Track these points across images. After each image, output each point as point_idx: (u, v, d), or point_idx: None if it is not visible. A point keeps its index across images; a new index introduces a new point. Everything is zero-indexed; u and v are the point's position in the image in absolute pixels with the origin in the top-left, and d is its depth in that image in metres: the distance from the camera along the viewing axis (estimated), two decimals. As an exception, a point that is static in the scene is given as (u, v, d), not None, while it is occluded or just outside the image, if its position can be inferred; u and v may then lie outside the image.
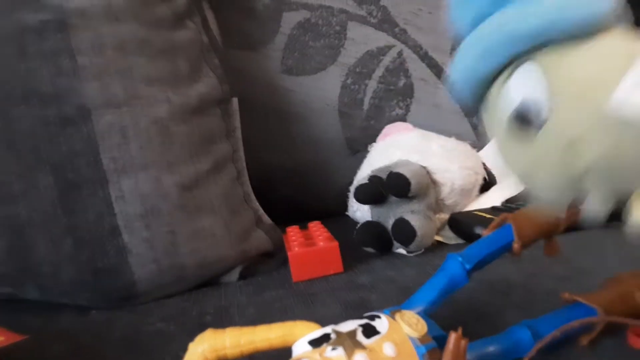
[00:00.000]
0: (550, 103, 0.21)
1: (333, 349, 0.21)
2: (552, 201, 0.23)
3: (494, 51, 0.21)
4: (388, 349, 0.22)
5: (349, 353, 0.21)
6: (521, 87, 0.22)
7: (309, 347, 0.22)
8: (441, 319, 0.25)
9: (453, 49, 0.64)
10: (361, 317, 0.24)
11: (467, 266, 0.28)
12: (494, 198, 0.52)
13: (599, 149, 0.20)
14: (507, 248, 0.29)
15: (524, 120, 0.22)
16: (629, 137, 0.20)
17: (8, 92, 0.37)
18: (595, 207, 0.22)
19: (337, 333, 0.22)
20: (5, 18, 0.37)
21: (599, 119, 0.20)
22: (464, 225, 0.46)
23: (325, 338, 0.22)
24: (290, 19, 0.60)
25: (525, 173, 0.23)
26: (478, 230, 0.44)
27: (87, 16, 0.38)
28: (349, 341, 0.22)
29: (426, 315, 0.26)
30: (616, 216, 0.52)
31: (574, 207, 0.23)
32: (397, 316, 0.24)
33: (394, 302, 0.25)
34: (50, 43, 0.37)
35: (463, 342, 0.22)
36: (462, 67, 0.23)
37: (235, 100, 0.48)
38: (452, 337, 0.22)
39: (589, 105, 0.20)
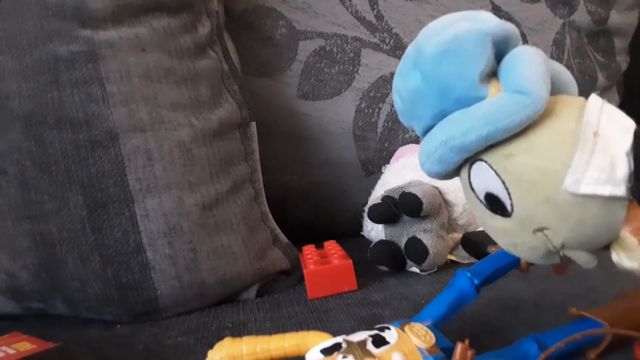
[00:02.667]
0: (510, 199, 0.22)
1: (344, 357, 0.22)
2: (543, 263, 0.25)
3: (446, 160, 0.24)
4: (397, 359, 0.23)
5: (359, 361, 0.22)
6: (482, 183, 0.23)
7: (321, 356, 0.23)
8: (451, 334, 0.26)
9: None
10: (371, 329, 0.25)
11: (476, 281, 0.29)
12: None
13: (565, 232, 0.22)
14: (515, 264, 0.30)
15: (495, 207, 0.23)
16: (589, 213, 0.21)
17: (42, 117, 0.39)
18: (582, 261, 0.23)
19: (348, 342, 0.24)
20: (41, 49, 0.39)
21: (556, 207, 0.21)
22: (476, 244, 0.47)
23: (336, 347, 0.23)
24: (306, 47, 0.63)
25: (510, 247, 0.24)
26: (490, 249, 0.44)
27: (115, 47, 0.40)
28: (359, 350, 0.23)
29: (435, 328, 0.27)
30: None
31: (564, 262, 0.24)
32: (407, 328, 0.25)
33: (407, 318, 0.26)
34: (82, 72, 0.40)
35: (470, 353, 0.23)
36: (426, 169, 0.25)
37: (253, 124, 0.50)
38: (459, 347, 0.23)
39: (543, 197, 0.22)
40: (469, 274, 0.29)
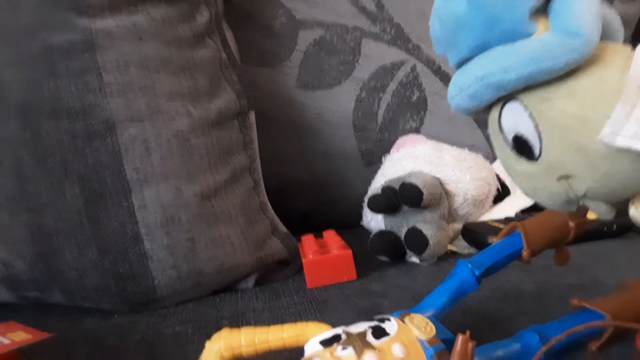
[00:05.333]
0: (540, 142, 0.22)
1: (343, 348, 0.22)
2: (559, 210, 0.24)
3: (479, 97, 0.23)
4: (397, 350, 0.23)
5: (359, 353, 0.22)
6: (512, 124, 0.23)
7: (320, 347, 0.23)
8: (453, 325, 0.26)
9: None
10: (371, 320, 0.25)
11: (477, 272, 0.28)
12: (508, 209, 0.52)
13: (590, 182, 0.22)
14: (516, 255, 0.30)
15: (522, 150, 0.23)
16: (619, 166, 0.21)
17: (38, 108, 0.39)
18: (600, 211, 0.23)
19: (348, 334, 0.23)
20: (37, 39, 0.39)
21: (586, 157, 0.21)
22: (477, 235, 0.47)
23: (336, 338, 0.23)
24: (306, 37, 0.62)
25: (530, 191, 0.24)
26: (491, 240, 0.44)
27: (113, 37, 0.40)
28: (359, 341, 0.23)
29: (436, 319, 0.26)
30: (630, 227, 0.52)
31: (581, 211, 0.24)
32: (407, 319, 0.25)
33: (406, 309, 0.26)
34: (78, 62, 0.39)
35: (470, 345, 0.22)
36: (455, 104, 0.24)
37: (252, 114, 0.50)
38: (460, 339, 0.22)
39: (575, 145, 0.21)
40: (469, 265, 0.28)
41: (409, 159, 0.50)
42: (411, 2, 0.64)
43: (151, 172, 0.40)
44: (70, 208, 0.39)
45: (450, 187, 0.47)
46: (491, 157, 0.64)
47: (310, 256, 0.42)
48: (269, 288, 0.43)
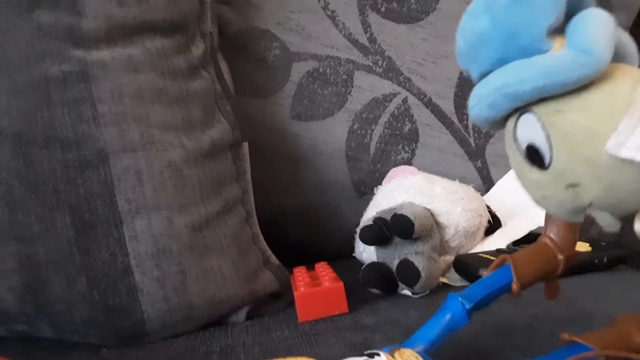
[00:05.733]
0: (550, 152, 0.23)
1: (333, 384, 0.22)
2: (567, 220, 0.25)
3: (497, 106, 0.25)
4: (387, 386, 0.22)
5: (348, 389, 0.22)
6: (526, 134, 0.24)
7: (310, 383, 0.23)
8: (443, 359, 0.26)
9: (456, 96, 0.66)
10: (361, 355, 0.25)
11: (467, 306, 0.28)
12: (500, 241, 0.52)
13: (596, 192, 0.23)
14: (507, 289, 0.30)
15: (533, 159, 0.24)
16: (624, 177, 0.22)
17: (31, 137, 0.39)
18: (605, 222, 0.24)
19: (337, 369, 0.23)
20: (32, 68, 0.39)
21: (593, 167, 0.22)
22: (469, 267, 0.47)
23: (325, 374, 0.23)
24: (299, 69, 0.63)
25: (540, 200, 0.25)
26: (482, 272, 0.44)
27: (108, 68, 0.40)
28: (348, 377, 0.23)
29: (426, 354, 0.26)
30: (620, 259, 0.52)
31: (588, 221, 0.24)
32: (397, 354, 0.25)
33: (397, 343, 0.26)
34: (73, 92, 0.39)
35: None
36: (474, 114, 0.26)
37: (245, 145, 0.50)
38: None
39: (583, 156, 0.22)
40: (460, 298, 0.28)
41: (401, 190, 0.51)
42: (402, 36, 0.66)
43: (143, 203, 0.40)
44: (60, 238, 0.39)
45: (442, 219, 0.48)
46: (482, 189, 0.64)
47: (302, 289, 0.41)
48: (260, 322, 0.42)
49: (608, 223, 0.24)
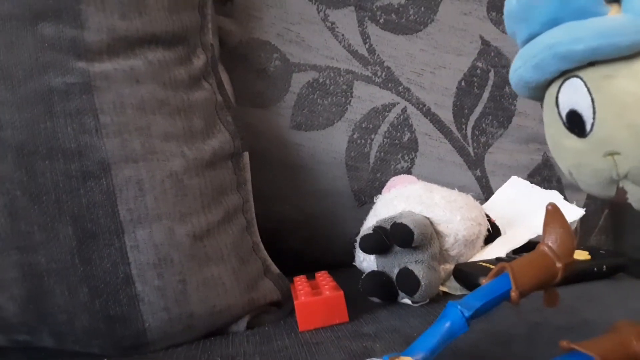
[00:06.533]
0: (593, 118, 0.23)
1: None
2: (597, 193, 0.25)
3: (544, 67, 0.24)
4: (386, 394, 0.23)
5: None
6: (569, 99, 0.24)
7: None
8: (442, 368, 0.26)
9: (455, 105, 0.67)
10: (361, 363, 0.25)
11: (467, 314, 0.28)
12: (499, 249, 0.52)
13: (635, 162, 0.23)
14: (506, 296, 0.30)
15: (573, 125, 0.24)
16: None
17: (34, 148, 0.39)
18: (636, 198, 0.24)
19: (337, 377, 0.23)
20: (35, 80, 0.40)
21: (636, 135, 0.22)
22: (468, 275, 0.47)
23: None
24: (299, 79, 0.64)
25: (572, 169, 0.25)
26: (482, 280, 0.44)
27: (110, 79, 0.41)
28: (348, 385, 0.23)
29: (425, 362, 0.26)
30: (620, 268, 0.52)
31: (620, 195, 0.24)
32: (396, 362, 0.25)
33: (397, 351, 0.26)
34: (76, 103, 0.40)
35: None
36: (517, 75, 0.26)
37: (246, 154, 0.51)
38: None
39: (628, 122, 0.22)
40: (459, 306, 0.28)
41: (400, 199, 0.51)
42: (401, 47, 0.66)
43: (144, 213, 0.40)
44: (62, 248, 0.39)
45: (441, 228, 0.48)
46: (482, 198, 0.65)
47: (302, 298, 0.41)
48: (260, 331, 0.42)
49: (639, 199, 0.23)
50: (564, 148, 0.25)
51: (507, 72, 0.68)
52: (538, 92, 0.26)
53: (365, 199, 0.64)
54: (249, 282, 0.45)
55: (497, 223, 0.55)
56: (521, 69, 0.25)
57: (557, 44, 0.23)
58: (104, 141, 0.40)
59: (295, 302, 0.41)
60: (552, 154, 0.26)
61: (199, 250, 0.42)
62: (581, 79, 0.23)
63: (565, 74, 0.24)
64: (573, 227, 0.57)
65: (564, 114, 0.24)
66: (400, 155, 0.65)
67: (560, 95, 0.25)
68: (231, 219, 0.46)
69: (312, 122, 0.64)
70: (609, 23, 0.22)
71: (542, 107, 0.27)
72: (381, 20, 0.66)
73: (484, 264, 0.48)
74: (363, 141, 0.64)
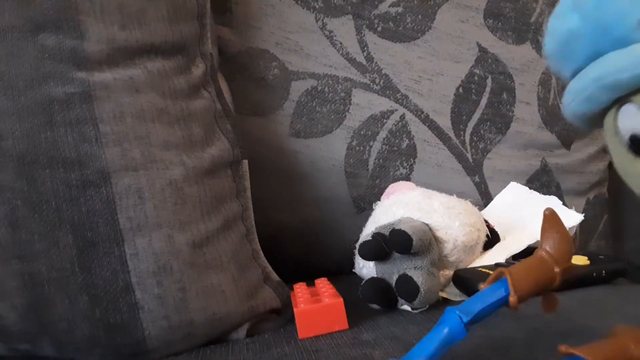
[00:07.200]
0: None
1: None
2: None
3: (594, 100, 0.24)
4: (385, 400, 0.23)
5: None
6: (629, 124, 0.24)
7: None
8: (441, 374, 0.26)
9: (453, 112, 0.67)
10: (360, 369, 0.25)
11: (465, 319, 0.28)
12: (499, 255, 0.53)
13: None
14: (504, 302, 0.30)
15: (637, 149, 0.24)
16: None
17: (35, 157, 0.40)
18: None
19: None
20: (36, 91, 0.40)
21: None
22: (468, 281, 0.47)
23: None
24: (298, 87, 0.64)
25: None
26: (480, 286, 0.44)
27: (110, 88, 0.41)
28: (347, 392, 0.23)
29: (424, 368, 0.26)
30: (619, 273, 0.52)
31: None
32: (395, 368, 0.25)
33: (396, 358, 0.26)
34: (76, 113, 0.40)
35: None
36: (571, 110, 0.26)
37: (245, 162, 0.51)
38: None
39: None
40: (457, 312, 0.29)
41: (399, 205, 0.51)
42: (399, 55, 0.67)
43: (144, 221, 0.40)
44: (62, 256, 0.39)
45: (440, 234, 0.48)
46: (480, 204, 0.65)
47: (302, 305, 0.41)
48: (260, 338, 0.42)
49: None
50: (632, 172, 0.25)
51: (505, 79, 0.70)
52: (596, 122, 0.26)
53: (364, 206, 0.64)
54: (249, 290, 0.45)
55: (497, 229, 0.55)
56: (573, 102, 0.25)
57: (603, 76, 0.23)
58: (104, 150, 0.40)
59: (294, 310, 0.41)
60: (625, 180, 0.26)
61: (198, 258, 0.42)
62: (634, 104, 0.24)
63: (619, 101, 0.24)
64: (572, 232, 0.58)
65: (626, 139, 0.24)
66: (399, 162, 0.65)
67: (618, 123, 0.25)
68: (231, 227, 0.46)
69: (311, 129, 0.64)
70: None
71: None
72: (379, 29, 0.67)
73: (483, 270, 0.48)
74: (362, 148, 0.64)
